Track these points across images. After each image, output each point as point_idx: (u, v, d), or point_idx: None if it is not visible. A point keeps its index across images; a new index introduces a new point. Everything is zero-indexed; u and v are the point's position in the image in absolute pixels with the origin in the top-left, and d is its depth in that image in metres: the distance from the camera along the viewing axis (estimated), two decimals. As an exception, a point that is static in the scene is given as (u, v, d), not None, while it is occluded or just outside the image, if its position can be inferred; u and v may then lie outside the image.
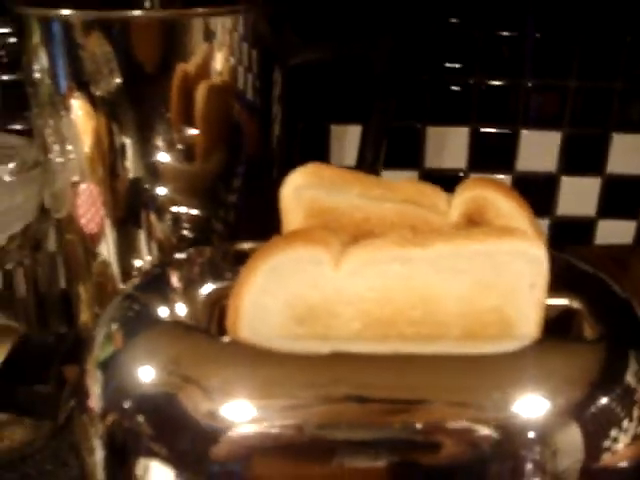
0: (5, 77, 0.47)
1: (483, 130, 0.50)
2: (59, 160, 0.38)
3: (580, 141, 0.50)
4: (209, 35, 0.32)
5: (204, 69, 0.34)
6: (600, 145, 0.49)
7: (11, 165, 0.39)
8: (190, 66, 0.34)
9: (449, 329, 0.24)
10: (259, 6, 0.32)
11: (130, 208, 0.39)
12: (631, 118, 0.48)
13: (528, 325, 0.24)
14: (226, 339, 0.24)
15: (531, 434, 0.23)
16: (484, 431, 0.23)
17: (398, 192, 0.28)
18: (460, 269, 0.23)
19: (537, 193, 0.51)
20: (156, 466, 0.24)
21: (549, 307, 0.26)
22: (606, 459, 0.25)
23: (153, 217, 0.39)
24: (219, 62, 0.34)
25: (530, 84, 0.48)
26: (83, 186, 0.39)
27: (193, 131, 0.36)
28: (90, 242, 0.41)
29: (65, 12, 0.30)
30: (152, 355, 0.24)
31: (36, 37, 0.33)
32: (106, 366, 0.26)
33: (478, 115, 0.49)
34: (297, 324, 0.23)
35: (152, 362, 0.24)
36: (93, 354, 0.27)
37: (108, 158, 0.37)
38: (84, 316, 0.43)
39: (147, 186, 0.38)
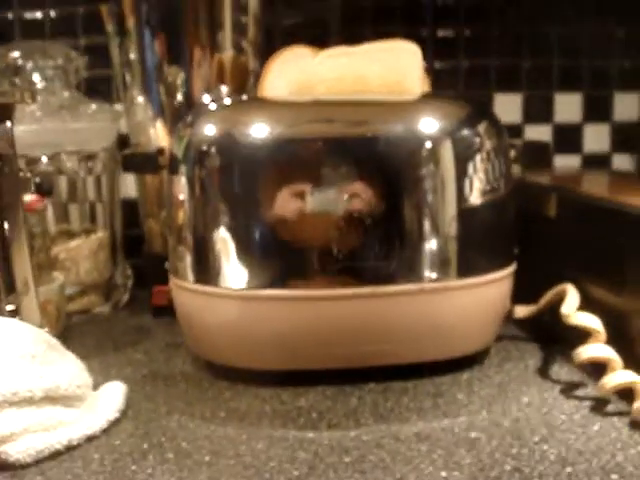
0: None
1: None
2: (138, 101, 0.58)
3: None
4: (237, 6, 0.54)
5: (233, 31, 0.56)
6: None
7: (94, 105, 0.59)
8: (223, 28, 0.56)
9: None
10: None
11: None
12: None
13: (418, 92, 0.44)
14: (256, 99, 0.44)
15: (428, 144, 0.42)
16: (402, 137, 0.42)
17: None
18: (378, 59, 0.43)
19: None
20: (224, 182, 0.42)
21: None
22: (466, 180, 0.43)
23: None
24: (245, 27, 0.56)
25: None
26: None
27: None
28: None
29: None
30: (210, 121, 0.43)
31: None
32: (186, 146, 0.45)
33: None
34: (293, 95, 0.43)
35: (211, 124, 0.43)
36: (175, 151, 0.46)
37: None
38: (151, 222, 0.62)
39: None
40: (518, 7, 0.68)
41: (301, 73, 0.44)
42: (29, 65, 0.56)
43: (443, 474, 0.33)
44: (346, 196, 0.41)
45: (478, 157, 0.45)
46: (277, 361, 0.43)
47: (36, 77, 0.56)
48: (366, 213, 0.41)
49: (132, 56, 0.58)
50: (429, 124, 0.43)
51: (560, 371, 0.45)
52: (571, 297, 0.44)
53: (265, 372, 0.44)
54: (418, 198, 0.42)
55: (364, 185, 0.41)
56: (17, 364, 0.35)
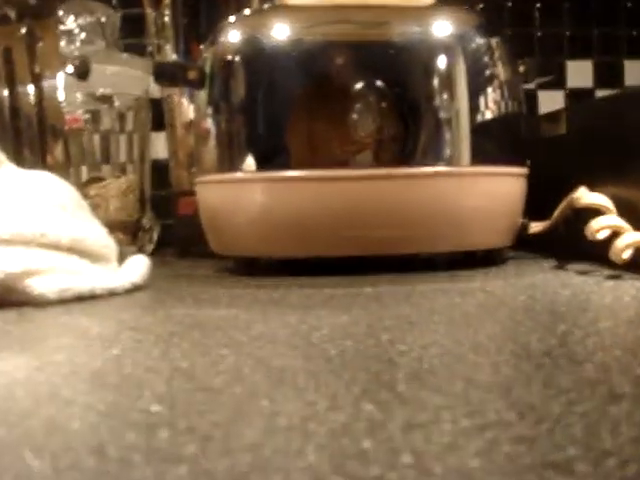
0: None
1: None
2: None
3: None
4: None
5: None
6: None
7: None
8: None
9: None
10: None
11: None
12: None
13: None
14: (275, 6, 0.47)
15: (444, 39, 0.44)
16: (418, 34, 0.44)
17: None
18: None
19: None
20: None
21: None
22: (478, 79, 0.45)
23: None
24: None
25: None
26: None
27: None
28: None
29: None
30: (232, 29, 0.46)
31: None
32: (212, 57, 0.47)
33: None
34: None
35: (233, 31, 0.46)
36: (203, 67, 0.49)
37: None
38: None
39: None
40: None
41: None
42: (70, 19, 0.61)
43: (457, 300, 0.33)
44: (364, 86, 0.43)
45: (490, 54, 0.47)
46: (296, 247, 0.44)
47: (75, 29, 0.61)
48: (383, 100, 0.43)
49: (166, 20, 0.62)
50: (444, 26, 0.45)
51: (577, 267, 0.45)
52: (582, 189, 0.44)
53: (283, 262, 0.45)
54: (432, 89, 0.44)
55: (381, 76, 0.43)
56: (47, 210, 0.37)
